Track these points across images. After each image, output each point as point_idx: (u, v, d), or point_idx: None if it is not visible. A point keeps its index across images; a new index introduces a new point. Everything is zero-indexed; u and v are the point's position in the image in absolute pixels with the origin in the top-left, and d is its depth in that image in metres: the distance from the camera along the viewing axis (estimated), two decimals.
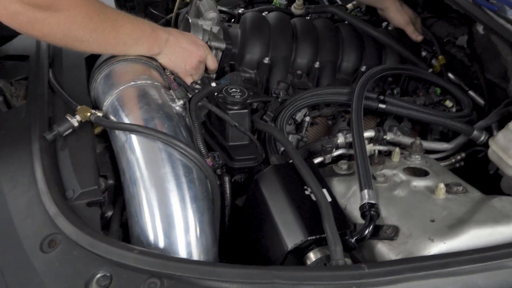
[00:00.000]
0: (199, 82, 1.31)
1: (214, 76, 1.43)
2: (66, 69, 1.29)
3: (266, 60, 1.44)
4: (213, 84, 1.31)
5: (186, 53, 1.23)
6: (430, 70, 1.54)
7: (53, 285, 0.83)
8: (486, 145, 1.27)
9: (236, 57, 1.46)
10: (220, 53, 1.44)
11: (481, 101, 1.50)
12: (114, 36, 1.10)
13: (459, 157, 1.31)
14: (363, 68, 1.50)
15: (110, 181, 1.06)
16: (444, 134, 1.41)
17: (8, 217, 0.96)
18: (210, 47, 1.40)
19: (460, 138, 1.32)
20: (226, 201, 1.10)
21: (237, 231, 1.10)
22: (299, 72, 1.47)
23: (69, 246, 0.87)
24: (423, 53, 1.62)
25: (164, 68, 1.24)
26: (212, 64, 1.33)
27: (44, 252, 0.88)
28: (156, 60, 1.23)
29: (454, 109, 1.42)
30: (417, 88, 1.52)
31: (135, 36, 1.14)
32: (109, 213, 1.04)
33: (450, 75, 1.57)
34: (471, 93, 1.53)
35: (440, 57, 1.60)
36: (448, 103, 1.42)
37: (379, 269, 0.78)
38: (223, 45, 1.42)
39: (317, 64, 1.47)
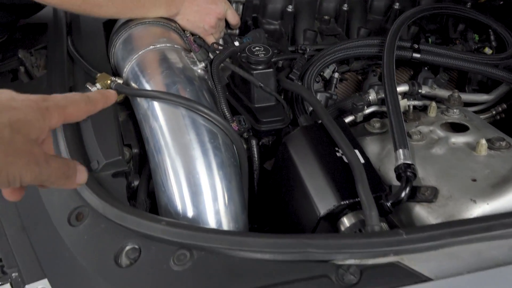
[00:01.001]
0: (221, 42, 1.25)
1: (237, 31, 1.36)
2: (84, 36, 1.25)
3: (290, 8, 1.35)
4: (236, 43, 1.26)
5: (204, 12, 1.18)
6: (469, 4, 1.41)
7: (84, 259, 0.82)
8: None
9: (258, 8, 1.38)
10: (241, 7, 1.37)
11: None
12: None
13: (500, 109, 1.23)
14: (396, 5, 1.39)
15: (135, 150, 1.04)
16: (483, 84, 1.32)
17: (35, 189, 0.95)
18: (230, 1, 1.33)
19: (501, 88, 1.23)
20: (254, 165, 1.06)
21: (266, 196, 1.07)
22: (326, 17, 1.38)
23: (97, 219, 0.86)
24: None
25: (183, 30, 1.18)
26: (233, 19, 1.26)
27: (72, 225, 0.87)
28: (175, 22, 1.18)
29: None
30: (456, 28, 1.39)
31: None
32: (136, 183, 1.02)
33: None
34: None
35: None
36: (487, 51, 1.32)
37: (418, 234, 0.74)
38: None
39: (345, 6, 1.38)
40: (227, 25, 1.28)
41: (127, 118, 1.10)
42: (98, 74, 1.05)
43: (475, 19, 1.33)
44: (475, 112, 1.22)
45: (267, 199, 1.07)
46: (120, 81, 1.02)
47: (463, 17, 1.35)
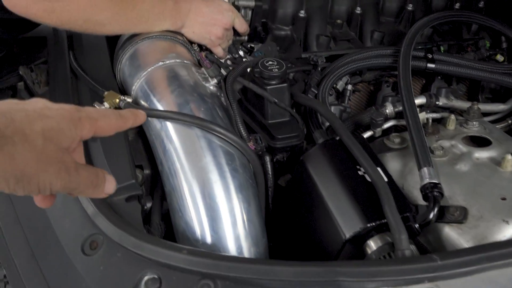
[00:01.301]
0: (232, 55, 1.21)
1: (246, 38, 1.32)
2: (87, 50, 1.20)
3: (302, 14, 1.30)
4: (240, 52, 1.22)
5: (211, 23, 1.14)
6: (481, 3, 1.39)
7: None
8: None
9: (267, 13, 1.33)
10: (250, 12, 1.32)
11: None
12: (136, 15, 1.03)
13: None
14: (410, 7, 1.35)
15: (147, 171, 1.00)
16: (496, 92, 1.30)
17: (44, 216, 0.92)
18: (238, 7, 1.29)
19: None
20: (268, 182, 1.03)
21: (282, 214, 1.04)
22: (338, 21, 1.34)
23: (112, 247, 0.82)
24: None
25: (191, 42, 1.15)
26: (241, 27, 1.23)
27: (86, 254, 0.83)
28: (181, 35, 1.14)
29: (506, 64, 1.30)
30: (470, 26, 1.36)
31: (157, 11, 1.06)
32: (148, 205, 0.98)
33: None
34: None
35: None
36: (499, 58, 1.30)
37: (453, 260, 0.71)
38: (252, 3, 1.30)
39: (358, 10, 1.33)
40: (235, 32, 1.24)
41: (136, 136, 1.06)
42: (106, 92, 1.01)
43: (488, 26, 1.31)
44: (490, 121, 1.20)
45: (283, 217, 1.04)
46: (129, 99, 0.98)
47: (476, 23, 1.32)
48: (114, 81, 1.11)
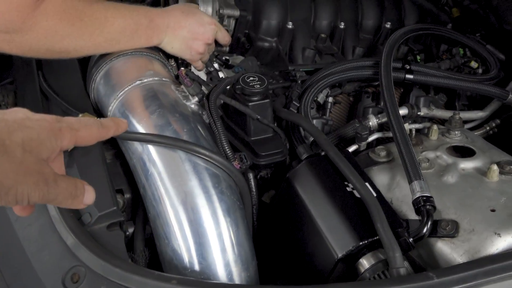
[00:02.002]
0: (207, 68, 1.18)
1: (227, 49, 1.29)
2: (57, 69, 1.15)
3: (290, 25, 1.27)
4: (216, 66, 1.18)
5: (192, 38, 1.09)
6: (449, 25, 1.42)
7: None
8: None
9: (251, 24, 1.30)
10: (233, 22, 1.28)
11: (501, 55, 1.41)
12: (105, 38, 0.98)
13: (493, 124, 1.22)
14: (388, 25, 1.36)
15: (127, 195, 0.96)
16: (472, 98, 1.32)
17: (21, 250, 0.86)
18: (223, 16, 1.25)
19: (494, 104, 1.23)
20: (252, 199, 1.00)
21: (268, 231, 1.01)
22: (323, 35, 1.32)
23: (96, 280, 0.77)
24: None
25: (168, 57, 1.11)
26: (224, 39, 1.19)
27: None
28: (158, 50, 1.10)
29: (480, 70, 1.32)
30: (439, 44, 1.39)
31: (129, 32, 1.01)
32: (130, 230, 0.94)
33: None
34: (489, 47, 1.43)
35: (453, 9, 1.49)
36: (473, 64, 1.32)
37: (450, 277, 0.70)
38: (236, 13, 1.26)
39: (342, 25, 1.32)
40: (217, 43, 1.20)
41: (113, 158, 1.01)
42: (80, 115, 0.96)
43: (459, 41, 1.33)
44: (469, 129, 1.21)
45: (268, 235, 1.01)
46: None
47: (446, 38, 1.34)
48: (88, 102, 1.06)
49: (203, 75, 1.20)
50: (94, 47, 0.99)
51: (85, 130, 0.65)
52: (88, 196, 0.66)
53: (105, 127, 0.69)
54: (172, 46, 1.09)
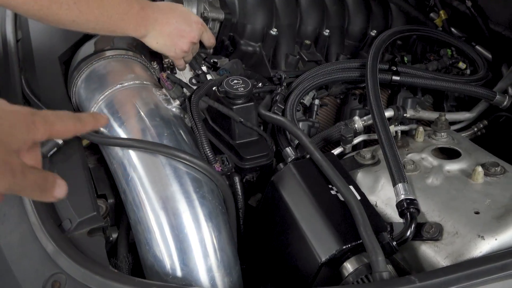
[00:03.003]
0: (195, 71, 1.16)
1: (211, 51, 1.28)
2: (39, 74, 1.14)
3: (274, 32, 1.25)
4: (204, 69, 1.17)
5: (178, 35, 1.08)
6: (440, 28, 1.42)
7: None
8: (509, 110, 1.18)
9: (236, 28, 1.29)
10: (218, 25, 1.26)
11: (489, 56, 1.41)
12: (98, 5, 0.95)
13: (481, 125, 1.22)
14: (374, 33, 1.35)
15: (111, 200, 0.95)
16: (460, 99, 1.31)
17: (2, 258, 0.85)
18: (207, 18, 1.24)
19: (482, 105, 1.22)
20: (238, 203, 0.99)
21: (254, 235, 1.01)
22: (307, 41, 1.30)
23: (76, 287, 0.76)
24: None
25: (151, 60, 1.10)
26: (209, 41, 1.17)
27: None
28: (140, 54, 1.09)
29: (468, 71, 1.32)
30: (426, 50, 1.40)
31: (121, 10, 0.99)
32: (114, 236, 0.93)
33: (453, 30, 1.47)
34: (478, 48, 1.43)
35: (441, 12, 1.48)
36: (461, 65, 1.32)
37: (432, 280, 0.70)
38: (221, 16, 1.24)
39: (326, 32, 1.31)
40: (201, 45, 1.19)
41: (96, 163, 1.00)
42: None
43: (447, 42, 1.33)
44: (456, 130, 1.21)
45: (254, 238, 1.00)
46: None
47: (435, 39, 1.34)
48: (70, 106, 1.05)
49: (188, 76, 1.19)
50: (86, 10, 0.95)
51: (61, 123, 0.65)
52: (59, 190, 0.65)
53: (82, 121, 0.69)
54: (157, 41, 1.07)
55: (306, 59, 1.25)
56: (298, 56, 1.26)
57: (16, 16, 1.31)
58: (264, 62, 1.22)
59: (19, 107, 0.63)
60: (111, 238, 0.93)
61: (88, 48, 1.12)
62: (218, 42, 1.26)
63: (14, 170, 0.58)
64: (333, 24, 1.34)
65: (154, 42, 1.07)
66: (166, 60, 1.19)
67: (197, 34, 1.11)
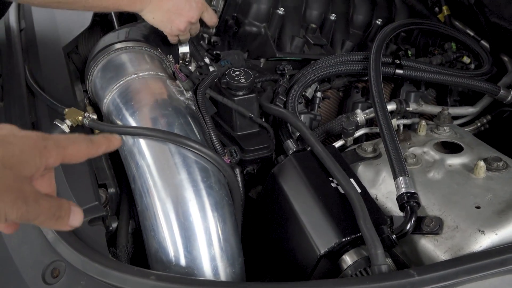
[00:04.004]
0: (198, 62, 1.16)
1: (213, 31, 1.25)
2: (43, 64, 1.14)
3: (281, 11, 1.22)
4: (206, 60, 1.16)
5: (176, 12, 1.06)
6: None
7: None
8: None
9: (240, 7, 1.26)
10: (222, 3, 1.24)
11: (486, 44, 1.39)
12: None
13: (485, 120, 1.21)
14: (379, 21, 1.32)
15: (111, 190, 0.95)
16: (464, 94, 1.30)
17: (2, 246, 0.86)
18: None
19: (485, 100, 1.21)
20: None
21: (254, 227, 1.01)
22: (313, 25, 1.27)
23: (75, 275, 0.77)
24: None
25: (167, 53, 1.10)
26: (210, 20, 1.15)
27: (47, 283, 0.78)
28: (156, 48, 1.09)
29: (472, 66, 1.31)
30: (428, 44, 1.39)
31: None
32: (114, 225, 0.94)
33: (458, 24, 1.45)
34: (484, 43, 1.42)
35: (444, 7, 1.47)
36: (466, 59, 1.31)
37: (431, 274, 0.70)
38: None
39: (333, 16, 1.28)
40: (203, 24, 1.16)
41: None
42: (66, 110, 0.96)
43: (451, 35, 1.32)
44: (460, 125, 1.20)
45: (254, 230, 1.01)
46: (94, 116, 0.94)
47: (439, 33, 1.33)
48: (73, 97, 1.06)
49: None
50: None
51: (73, 147, 0.63)
52: (74, 218, 0.62)
53: (95, 143, 0.66)
54: (154, 16, 1.06)
55: (312, 42, 1.23)
56: (304, 39, 1.23)
57: (19, 6, 1.32)
58: (270, 43, 1.19)
59: (30, 132, 0.61)
60: (111, 228, 0.93)
61: (106, 39, 1.13)
62: (222, 22, 1.24)
63: (27, 197, 0.56)
64: (338, 11, 1.32)
65: (150, 16, 1.06)
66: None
67: (196, 13, 1.09)
